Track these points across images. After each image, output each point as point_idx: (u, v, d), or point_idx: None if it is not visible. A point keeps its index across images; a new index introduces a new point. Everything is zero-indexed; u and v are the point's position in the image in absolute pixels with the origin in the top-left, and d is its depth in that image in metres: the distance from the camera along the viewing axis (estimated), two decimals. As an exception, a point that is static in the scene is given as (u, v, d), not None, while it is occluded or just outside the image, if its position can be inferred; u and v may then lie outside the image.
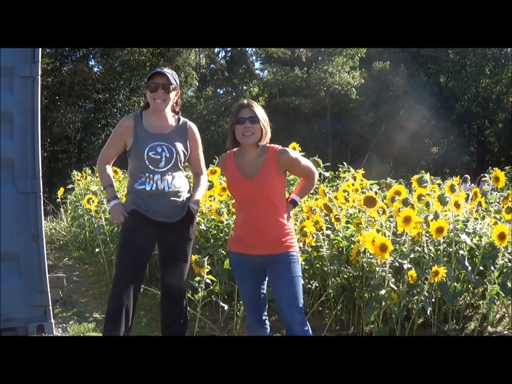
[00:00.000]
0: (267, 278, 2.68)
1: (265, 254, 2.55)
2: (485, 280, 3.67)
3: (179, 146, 2.87)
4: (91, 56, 24.44)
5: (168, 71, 2.85)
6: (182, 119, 2.97)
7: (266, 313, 2.74)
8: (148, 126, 2.86)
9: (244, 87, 29.93)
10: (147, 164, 2.80)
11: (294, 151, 2.64)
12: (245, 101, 2.58)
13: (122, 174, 6.27)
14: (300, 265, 2.63)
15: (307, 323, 2.58)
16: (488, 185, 4.00)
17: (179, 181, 2.89)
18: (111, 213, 2.95)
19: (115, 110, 24.56)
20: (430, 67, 30.82)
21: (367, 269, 3.44)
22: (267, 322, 2.75)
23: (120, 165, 5.81)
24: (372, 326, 3.49)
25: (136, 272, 2.82)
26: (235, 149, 2.67)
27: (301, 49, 28.11)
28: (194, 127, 2.97)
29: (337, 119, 27.78)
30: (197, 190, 2.98)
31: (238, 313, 3.61)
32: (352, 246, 3.62)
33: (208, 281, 3.31)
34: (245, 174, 2.57)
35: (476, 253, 3.70)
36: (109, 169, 2.99)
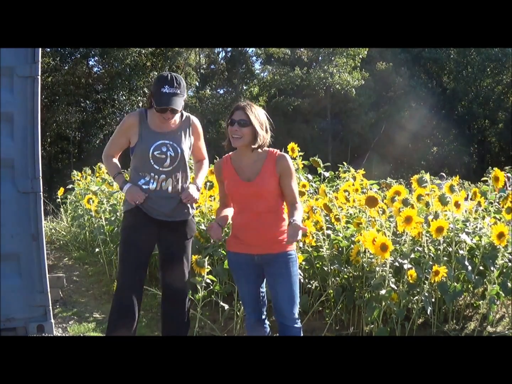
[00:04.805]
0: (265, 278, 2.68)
1: (264, 253, 2.56)
2: (485, 280, 3.66)
3: (184, 144, 2.87)
4: (91, 56, 24.44)
5: (179, 91, 2.77)
6: (185, 114, 2.95)
7: (265, 313, 2.75)
8: (152, 125, 2.84)
9: (244, 87, 29.94)
10: (152, 163, 2.79)
11: (292, 163, 2.60)
12: (242, 103, 2.54)
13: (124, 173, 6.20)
14: (297, 264, 2.64)
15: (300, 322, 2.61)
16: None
17: (184, 184, 2.88)
18: (129, 195, 2.81)
19: (114, 110, 24.55)
20: (431, 68, 30.82)
21: (367, 269, 3.44)
22: (266, 321, 2.75)
23: (122, 166, 5.74)
24: (372, 326, 3.49)
25: (139, 272, 2.82)
26: (230, 153, 2.66)
27: (301, 49, 28.10)
28: (196, 120, 2.99)
29: (337, 119, 27.78)
30: (198, 174, 3.04)
31: (238, 313, 3.61)
32: (352, 246, 3.62)
33: (208, 281, 3.31)
34: (244, 178, 2.55)
35: (476, 253, 3.70)
36: (115, 160, 2.97)
